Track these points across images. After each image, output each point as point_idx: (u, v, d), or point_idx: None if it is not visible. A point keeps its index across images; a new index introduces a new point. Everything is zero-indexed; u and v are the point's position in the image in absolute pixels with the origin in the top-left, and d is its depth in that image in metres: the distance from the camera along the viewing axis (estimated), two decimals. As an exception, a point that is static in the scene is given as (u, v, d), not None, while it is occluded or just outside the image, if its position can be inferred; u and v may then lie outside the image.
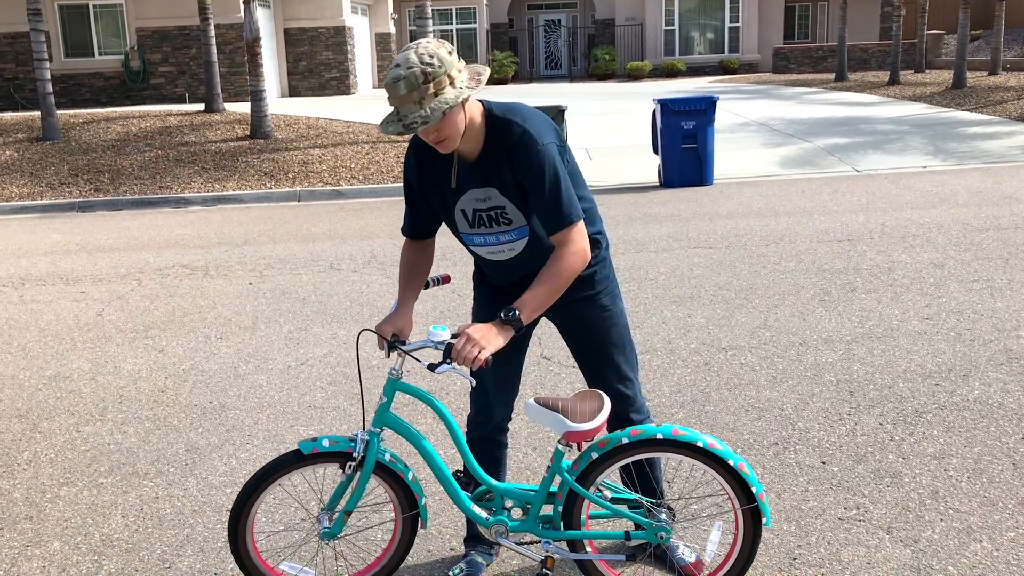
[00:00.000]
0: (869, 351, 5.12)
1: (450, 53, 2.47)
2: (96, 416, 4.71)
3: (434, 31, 24.57)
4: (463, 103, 2.49)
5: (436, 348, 2.52)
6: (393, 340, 2.67)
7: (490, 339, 2.44)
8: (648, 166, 12.70)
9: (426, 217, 2.84)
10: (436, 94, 2.41)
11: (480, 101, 2.62)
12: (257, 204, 12.07)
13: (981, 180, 10.94)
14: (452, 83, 2.44)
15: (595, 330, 2.86)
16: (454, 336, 2.49)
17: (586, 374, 2.94)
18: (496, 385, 2.96)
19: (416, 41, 2.48)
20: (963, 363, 4.88)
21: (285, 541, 3.38)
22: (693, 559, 3.00)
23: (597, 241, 2.85)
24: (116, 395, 5.00)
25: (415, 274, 2.84)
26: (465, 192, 2.67)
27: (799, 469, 3.75)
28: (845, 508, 3.42)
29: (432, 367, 2.49)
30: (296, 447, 2.83)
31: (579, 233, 2.56)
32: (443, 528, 3.41)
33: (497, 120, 2.58)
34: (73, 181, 13.06)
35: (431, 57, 2.40)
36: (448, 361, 2.47)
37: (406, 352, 2.63)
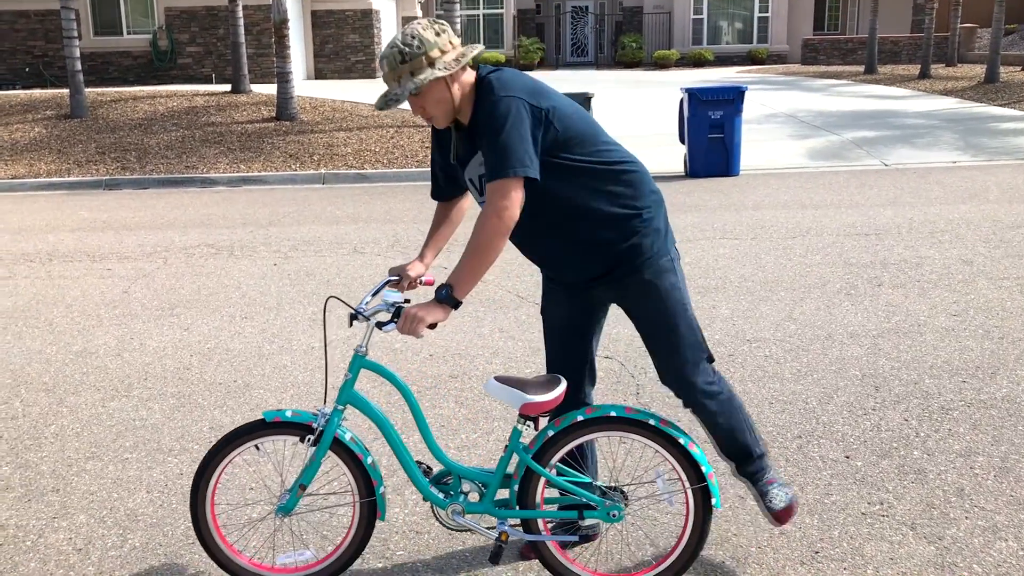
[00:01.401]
0: (895, 346, 5.08)
1: (438, 34, 2.55)
2: (122, 392, 4.75)
3: (461, 16, 24.46)
4: (447, 81, 2.56)
5: (388, 311, 2.66)
6: (356, 310, 2.72)
7: (428, 311, 2.52)
8: (674, 155, 12.62)
9: (443, 180, 2.95)
10: (412, 74, 2.52)
11: (476, 69, 2.64)
12: (282, 186, 12.12)
13: (1012, 176, 10.79)
14: (432, 64, 2.53)
15: (642, 308, 2.75)
16: (407, 300, 2.66)
17: (651, 355, 2.85)
18: (560, 364, 2.97)
19: (413, 21, 2.56)
20: (991, 361, 4.82)
21: (262, 535, 3.39)
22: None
23: (636, 210, 2.69)
24: (141, 372, 5.04)
25: (437, 233, 3.01)
26: (469, 161, 2.71)
27: (823, 463, 3.73)
28: (869, 503, 3.40)
29: (379, 325, 2.64)
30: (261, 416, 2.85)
31: (504, 190, 2.49)
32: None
33: (481, 82, 2.61)
34: (100, 159, 13.16)
35: (413, 39, 2.52)
36: (394, 321, 2.63)
37: (365, 317, 2.70)
